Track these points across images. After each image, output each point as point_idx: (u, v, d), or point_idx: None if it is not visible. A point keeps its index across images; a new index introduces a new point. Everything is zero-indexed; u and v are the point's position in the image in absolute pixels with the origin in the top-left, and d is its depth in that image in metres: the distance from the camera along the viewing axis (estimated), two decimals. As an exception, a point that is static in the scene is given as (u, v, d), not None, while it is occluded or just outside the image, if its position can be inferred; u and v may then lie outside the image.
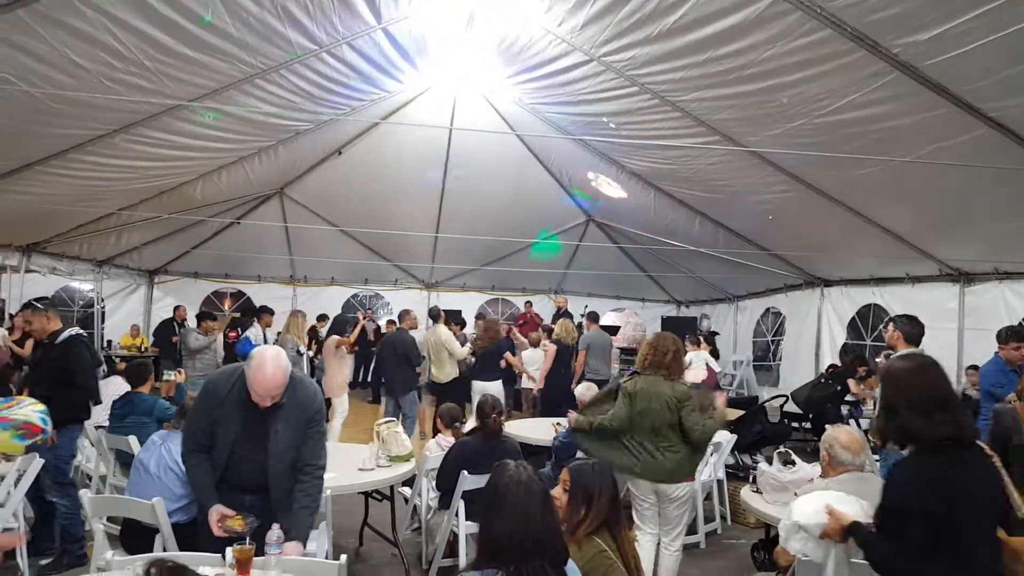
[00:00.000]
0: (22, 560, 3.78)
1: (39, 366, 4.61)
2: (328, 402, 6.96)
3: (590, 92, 5.98)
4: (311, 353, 8.81)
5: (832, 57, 4.09)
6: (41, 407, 2.43)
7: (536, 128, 7.86)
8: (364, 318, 8.51)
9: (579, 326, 10.10)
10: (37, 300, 4.74)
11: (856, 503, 2.49)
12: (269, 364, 2.65)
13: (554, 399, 7.87)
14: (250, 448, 2.77)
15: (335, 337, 7.40)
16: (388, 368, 7.85)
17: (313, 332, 9.79)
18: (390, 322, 10.36)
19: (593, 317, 9.24)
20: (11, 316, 8.42)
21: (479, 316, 12.43)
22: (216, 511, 2.68)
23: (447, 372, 7.92)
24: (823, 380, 7.95)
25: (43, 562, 4.14)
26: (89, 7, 3.84)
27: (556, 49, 5.56)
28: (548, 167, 9.36)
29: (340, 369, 7.34)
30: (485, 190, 9.57)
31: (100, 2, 3.79)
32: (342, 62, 5.74)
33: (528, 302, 12.58)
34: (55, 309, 4.61)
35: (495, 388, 7.81)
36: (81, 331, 4.59)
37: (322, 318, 11.13)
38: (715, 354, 9.31)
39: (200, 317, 8.72)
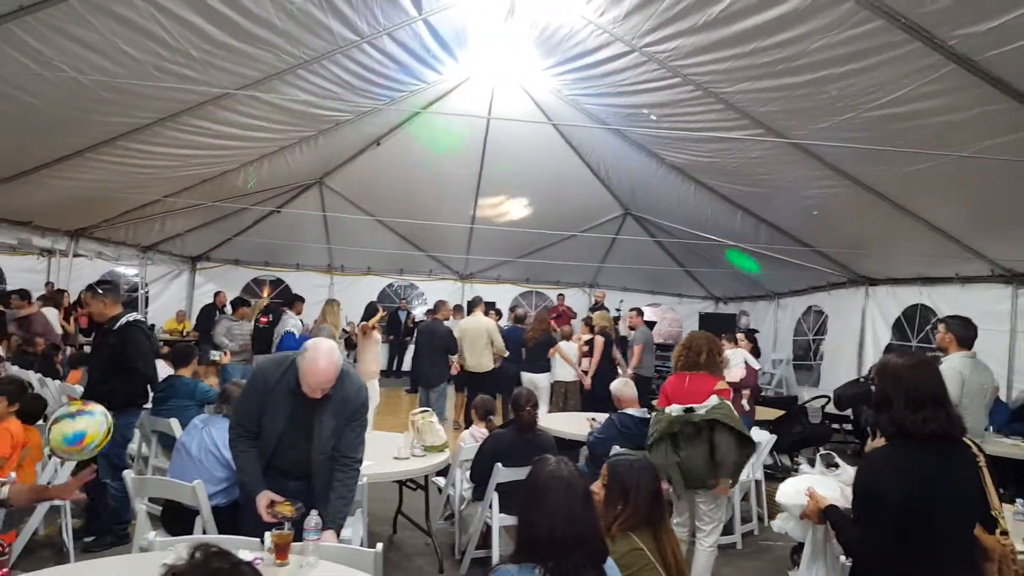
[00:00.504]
0: (67, 537, 3.88)
1: (96, 350, 4.61)
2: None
3: (631, 83, 5.88)
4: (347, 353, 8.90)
5: (884, 49, 3.93)
6: (103, 445, 2.52)
7: (575, 119, 7.79)
8: (383, 312, 8.52)
9: (616, 319, 9.99)
10: (98, 284, 4.58)
11: (837, 488, 2.58)
12: (323, 358, 2.69)
13: (601, 394, 7.75)
14: (296, 437, 2.81)
15: (364, 324, 7.49)
16: (423, 358, 7.88)
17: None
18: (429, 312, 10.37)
19: (640, 312, 9.13)
20: (60, 292, 8.71)
21: (512, 308, 12.41)
22: (265, 496, 2.72)
23: (484, 362, 7.91)
24: (862, 379, 7.75)
25: (87, 539, 4.25)
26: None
27: (597, 40, 5.48)
28: (586, 159, 9.27)
29: (371, 355, 7.39)
30: (521, 182, 9.52)
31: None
32: (383, 53, 5.76)
33: (560, 295, 12.52)
34: (115, 294, 4.54)
35: (544, 380, 7.80)
36: (140, 317, 4.55)
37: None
38: (756, 352, 9.06)
39: (235, 304, 8.94)
